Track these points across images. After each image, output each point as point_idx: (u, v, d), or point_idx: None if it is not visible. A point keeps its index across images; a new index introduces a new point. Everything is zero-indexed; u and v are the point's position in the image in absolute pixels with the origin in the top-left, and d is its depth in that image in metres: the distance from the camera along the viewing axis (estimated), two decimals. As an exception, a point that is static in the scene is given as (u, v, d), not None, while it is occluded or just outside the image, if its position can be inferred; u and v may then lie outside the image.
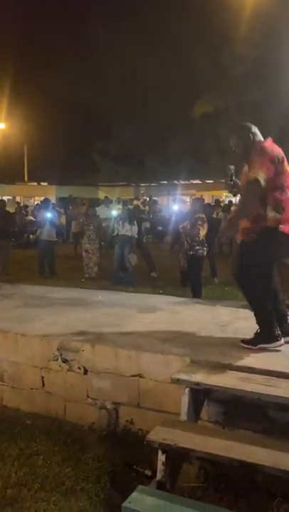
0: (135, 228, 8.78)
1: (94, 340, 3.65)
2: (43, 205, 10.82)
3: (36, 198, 25.60)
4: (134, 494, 2.32)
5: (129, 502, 2.27)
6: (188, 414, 2.84)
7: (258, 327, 3.45)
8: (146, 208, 18.66)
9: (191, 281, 7.16)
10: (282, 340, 3.37)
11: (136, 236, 8.81)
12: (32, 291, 5.99)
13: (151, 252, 10.14)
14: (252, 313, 3.91)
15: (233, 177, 3.52)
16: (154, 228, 17.65)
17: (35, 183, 28.58)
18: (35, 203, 23.25)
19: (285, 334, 3.45)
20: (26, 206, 21.99)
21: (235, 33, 22.71)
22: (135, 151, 29.83)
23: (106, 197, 16.49)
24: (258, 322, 3.45)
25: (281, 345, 3.35)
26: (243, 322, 4.11)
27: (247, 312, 4.40)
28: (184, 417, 2.83)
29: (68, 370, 3.61)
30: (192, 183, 25.64)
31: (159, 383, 3.24)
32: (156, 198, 23.36)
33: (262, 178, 3.23)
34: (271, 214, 3.30)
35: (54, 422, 3.54)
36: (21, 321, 4.27)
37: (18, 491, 2.69)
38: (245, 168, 3.46)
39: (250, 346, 3.38)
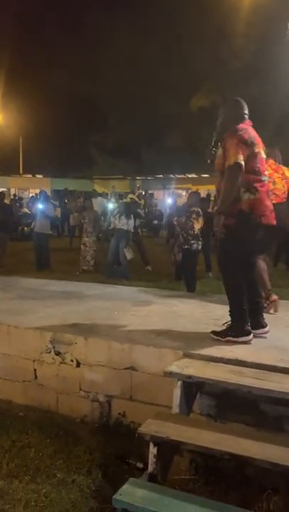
0: (132, 222, 8.76)
1: (87, 332, 3.64)
2: (38, 197, 10.76)
3: (31, 190, 25.50)
4: (125, 486, 2.32)
5: (120, 494, 2.27)
6: (181, 407, 2.85)
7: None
8: (142, 201, 18.64)
9: (185, 275, 7.16)
10: (251, 335, 3.39)
11: (132, 230, 8.79)
12: (26, 284, 5.98)
13: (147, 246, 10.14)
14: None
15: (213, 156, 3.55)
16: (150, 222, 17.65)
17: (30, 176, 28.43)
18: (30, 195, 23.16)
19: (260, 327, 3.52)
20: (21, 198, 21.89)
21: (234, 27, 22.60)
22: (131, 145, 29.71)
23: (103, 192, 16.44)
24: (231, 315, 3.48)
25: (249, 340, 3.37)
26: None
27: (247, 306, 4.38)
28: (176, 409, 2.84)
29: (61, 362, 3.61)
30: (188, 177, 25.61)
31: (151, 376, 3.24)
32: (152, 192, 23.34)
33: (238, 159, 3.25)
34: (245, 196, 3.34)
35: (46, 414, 3.54)
36: (15, 313, 4.26)
37: (10, 483, 2.69)
38: (220, 150, 3.45)
39: (218, 337, 3.42)
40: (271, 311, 4.39)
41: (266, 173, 3.56)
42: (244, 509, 2.23)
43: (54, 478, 2.73)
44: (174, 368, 2.94)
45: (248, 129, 3.40)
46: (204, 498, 2.36)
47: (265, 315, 3.77)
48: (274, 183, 4.33)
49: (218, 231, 3.38)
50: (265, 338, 3.50)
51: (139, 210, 10.69)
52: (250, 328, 3.42)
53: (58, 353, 3.62)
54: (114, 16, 27.47)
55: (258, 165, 3.38)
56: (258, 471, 2.51)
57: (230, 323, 3.48)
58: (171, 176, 26.24)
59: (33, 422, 3.39)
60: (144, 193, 21.65)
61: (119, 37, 27.11)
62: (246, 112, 3.53)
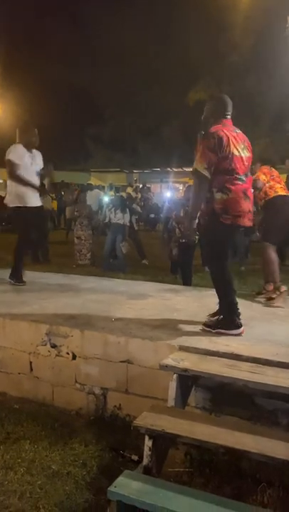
0: (127, 216, 8.73)
1: (83, 325, 3.63)
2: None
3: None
4: (120, 478, 2.33)
5: (115, 486, 2.27)
6: (176, 400, 2.85)
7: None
8: (138, 195, 18.60)
9: (182, 268, 7.16)
10: (242, 328, 3.45)
11: (128, 224, 8.76)
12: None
13: (143, 240, 10.12)
14: (240, 301, 3.95)
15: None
16: (146, 216, 17.62)
17: (27, 168, 28.26)
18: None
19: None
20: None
21: (232, 21, 22.45)
22: (128, 138, 29.59)
23: (99, 185, 16.37)
24: (221, 309, 3.53)
25: (240, 333, 3.43)
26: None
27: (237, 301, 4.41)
28: (171, 403, 2.84)
29: (57, 355, 3.60)
30: (185, 171, 25.56)
31: (147, 369, 3.24)
32: (149, 185, 23.29)
33: (203, 169, 3.31)
34: (218, 196, 3.38)
35: (42, 406, 3.55)
36: (10, 305, 4.24)
37: (5, 474, 2.69)
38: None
39: (209, 329, 3.47)
40: (279, 303, 4.46)
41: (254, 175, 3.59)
42: (238, 502, 2.24)
43: (49, 470, 2.73)
44: (169, 361, 2.94)
45: (218, 131, 3.37)
46: (199, 491, 2.37)
47: (261, 308, 3.79)
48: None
49: (188, 235, 3.43)
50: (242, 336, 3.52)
51: (135, 205, 10.66)
52: (240, 321, 3.47)
53: (53, 346, 3.61)
54: (112, 8, 27.26)
55: (232, 165, 3.36)
56: (252, 464, 2.53)
57: (221, 316, 3.52)
58: (169, 169, 26.18)
59: (28, 414, 3.39)
60: (141, 186, 21.60)
61: (117, 29, 26.90)
62: (228, 110, 3.54)
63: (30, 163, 5.16)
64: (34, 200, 5.19)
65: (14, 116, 28.95)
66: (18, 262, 5.27)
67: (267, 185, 4.83)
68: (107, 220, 8.90)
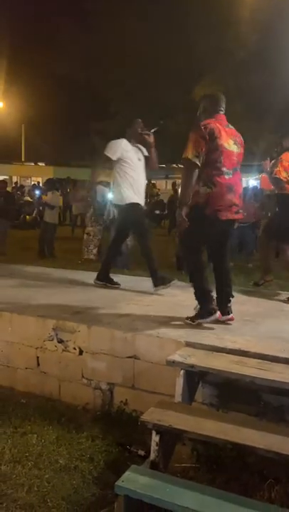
0: None
1: (90, 321, 3.64)
2: (49, 185, 10.69)
3: (33, 178, 25.39)
4: (127, 473, 2.34)
5: (123, 481, 2.28)
6: (183, 396, 2.86)
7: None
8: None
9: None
10: (218, 313, 3.54)
11: None
12: (28, 272, 5.98)
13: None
14: (247, 298, 3.97)
15: None
16: (152, 212, 17.58)
17: (32, 164, 28.30)
18: (32, 183, 23.07)
19: (225, 314, 3.63)
20: (22, 186, 21.82)
21: (238, 16, 22.27)
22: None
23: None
24: (196, 298, 3.60)
25: (217, 318, 3.53)
26: (238, 306, 4.12)
27: (242, 297, 4.42)
28: (178, 398, 2.85)
29: (64, 350, 3.61)
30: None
31: (154, 365, 3.25)
32: (154, 181, 23.24)
33: (194, 156, 3.32)
34: (202, 189, 3.41)
35: (48, 401, 3.56)
36: (17, 300, 4.26)
37: (12, 468, 2.71)
38: None
39: (190, 322, 3.55)
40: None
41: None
42: (245, 497, 2.25)
43: (56, 464, 2.75)
44: (176, 357, 2.95)
45: (210, 123, 3.40)
46: (206, 486, 2.38)
47: (268, 305, 3.79)
48: None
49: (180, 223, 3.45)
50: (230, 324, 3.62)
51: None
52: (216, 307, 3.56)
53: (60, 341, 3.63)
54: (117, 3, 27.14)
55: (221, 158, 3.39)
56: (259, 460, 2.53)
57: (198, 307, 3.60)
58: (174, 165, 26.08)
59: (35, 408, 3.41)
60: (146, 182, 21.56)
61: (122, 24, 26.79)
62: (221, 106, 3.56)
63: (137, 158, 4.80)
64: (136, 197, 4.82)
65: (19, 111, 28.95)
66: (107, 262, 5.08)
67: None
68: (111, 217, 8.87)
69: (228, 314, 3.66)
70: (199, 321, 3.54)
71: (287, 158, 4.78)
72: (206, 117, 3.51)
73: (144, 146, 4.89)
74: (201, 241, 3.57)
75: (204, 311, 3.55)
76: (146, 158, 4.91)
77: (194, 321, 3.55)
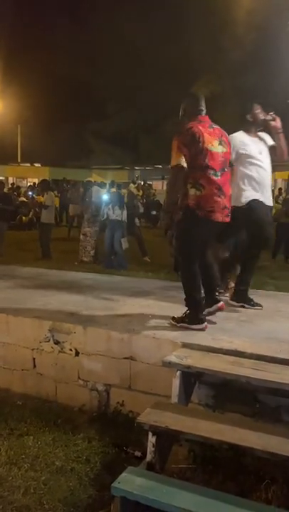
0: (125, 213, 8.71)
1: (86, 322, 3.64)
2: (44, 186, 10.67)
3: (29, 179, 25.35)
4: (123, 475, 2.33)
5: (119, 482, 2.28)
6: (179, 397, 2.86)
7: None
8: (140, 192, 18.57)
9: None
10: (205, 324, 3.49)
11: (126, 221, 8.73)
12: (25, 273, 5.97)
13: (145, 237, 10.10)
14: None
15: None
16: (148, 212, 17.59)
17: (29, 164, 28.26)
18: (28, 184, 23.03)
19: (215, 302, 3.65)
20: (19, 187, 21.77)
21: (235, 16, 22.37)
22: (130, 134, 29.55)
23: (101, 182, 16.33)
24: (186, 304, 3.57)
25: (203, 328, 3.46)
26: (235, 307, 4.13)
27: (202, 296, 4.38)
28: (174, 399, 2.85)
29: (60, 351, 3.61)
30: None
31: (150, 366, 3.25)
32: (150, 182, 23.25)
33: (176, 161, 3.35)
34: (192, 191, 3.40)
35: (45, 402, 3.55)
36: (13, 301, 4.25)
37: (8, 470, 2.70)
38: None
39: (174, 323, 3.53)
40: (226, 295, 4.48)
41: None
42: (242, 498, 2.25)
43: (53, 466, 2.74)
44: (173, 358, 2.95)
45: (192, 128, 3.39)
46: (202, 487, 2.38)
47: (264, 305, 3.79)
48: None
49: (164, 225, 3.47)
50: (222, 311, 3.66)
51: (135, 201, 10.62)
52: (204, 317, 3.53)
53: (56, 342, 3.62)
54: (115, 3, 27.14)
55: (207, 160, 3.37)
56: (255, 460, 2.53)
57: (187, 311, 3.57)
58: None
59: (31, 410, 3.40)
60: (142, 183, 21.57)
61: (119, 25, 26.80)
62: (201, 105, 3.55)
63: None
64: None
65: (15, 112, 28.91)
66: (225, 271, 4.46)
67: None
68: (104, 218, 8.86)
69: (217, 302, 3.66)
70: (184, 325, 3.48)
71: None
72: (188, 119, 3.49)
73: (269, 134, 4.15)
74: (196, 244, 3.53)
75: (192, 318, 3.50)
76: (271, 148, 4.12)
77: (178, 323, 3.51)
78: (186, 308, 3.60)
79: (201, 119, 3.49)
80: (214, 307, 3.66)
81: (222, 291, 4.48)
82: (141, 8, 26.21)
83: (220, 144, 3.48)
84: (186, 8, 24.43)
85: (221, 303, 3.69)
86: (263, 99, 4.43)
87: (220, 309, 3.68)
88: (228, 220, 3.54)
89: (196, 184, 3.39)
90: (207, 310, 3.61)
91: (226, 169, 3.52)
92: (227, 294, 4.51)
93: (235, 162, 3.94)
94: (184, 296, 3.58)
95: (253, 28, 22.25)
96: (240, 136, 4.04)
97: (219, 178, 3.44)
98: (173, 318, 3.60)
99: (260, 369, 2.80)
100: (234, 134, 4.00)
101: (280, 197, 15.79)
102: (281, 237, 9.80)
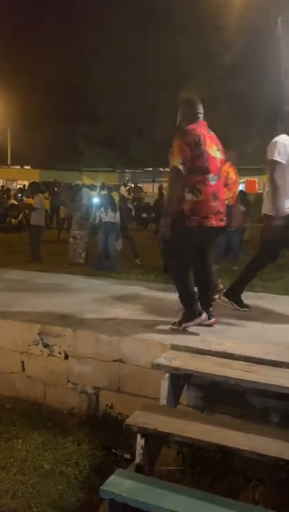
0: (118, 215, 8.70)
1: (75, 325, 3.63)
2: (34, 188, 10.63)
3: (19, 181, 25.25)
4: (112, 477, 2.34)
5: (108, 485, 2.28)
6: (168, 398, 2.86)
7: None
8: (131, 195, 18.57)
9: None
10: (204, 315, 3.52)
11: (120, 223, 8.73)
12: (14, 276, 5.94)
13: (135, 239, 10.11)
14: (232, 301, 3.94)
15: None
16: (139, 215, 17.60)
17: (19, 167, 28.15)
18: (18, 186, 22.93)
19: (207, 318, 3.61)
20: (9, 190, 21.66)
21: (224, 21, 22.53)
22: (120, 136, 29.59)
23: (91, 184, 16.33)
24: (181, 302, 3.60)
25: (202, 320, 3.51)
26: (223, 309, 4.15)
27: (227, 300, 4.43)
28: (163, 401, 2.85)
29: (49, 354, 3.60)
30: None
31: (139, 368, 3.25)
32: (140, 185, 23.28)
33: (179, 163, 3.31)
34: (188, 196, 3.41)
35: (34, 406, 3.54)
36: (2, 305, 4.23)
37: (-3, 474, 2.68)
38: (171, 149, 3.51)
39: (176, 327, 3.52)
40: (216, 296, 4.48)
41: (228, 175, 3.58)
42: (230, 499, 2.26)
43: (41, 470, 2.73)
44: (161, 360, 2.95)
45: (195, 129, 3.41)
46: (191, 489, 2.39)
47: (253, 307, 3.80)
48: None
49: (164, 232, 3.43)
50: (212, 327, 3.63)
51: (128, 204, 10.62)
52: (200, 309, 3.55)
53: (46, 345, 3.61)
54: (105, 7, 27.21)
55: (206, 164, 3.39)
56: (244, 461, 2.55)
57: (184, 310, 3.59)
58: (161, 169, 26.19)
59: (20, 413, 3.39)
60: (133, 185, 21.60)
61: (110, 28, 26.88)
62: (199, 110, 3.56)
63: None
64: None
65: (5, 114, 28.79)
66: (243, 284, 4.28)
67: None
68: (97, 221, 8.84)
69: (210, 319, 3.65)
70: (184, 325, 3.51)
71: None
72: (187, 123, 3.49)
73: None
74: (185, 246, 3.54)
75: (188, 314, 3.54)
76: None
77: (180, 326, 3.52)
78: (182, 314, 3.60)
79: (201, 124, 3.51)
80: (206, 321, 3.62)
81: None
82: (131, 12, 26.33)
83: (217, 149, 3.52)
84: (177, 13, 24.60)
85: (213, 319, 3.66)
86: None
87: (211, 324, 3.65)
88: (222, 224, 3.55)
89: (193, 189, 3.40)
90: (199, 321, 3.55)
91: (220, 175, 3.55)
92: (216, 296, 4.54)
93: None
94: (173, 299, 3.60)
95: (243, 32, 22.45)
96: (284, 140, 3.82)
97: (216, 183, 3.46)
98: (173, 323, 3.58)
99: (249, 371, 2.82)
100: (278, 139, 3.81)
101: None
102: None
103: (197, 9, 22.98)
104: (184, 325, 3.51)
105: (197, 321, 3.52)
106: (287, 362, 2.90)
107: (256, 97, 21.64)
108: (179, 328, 3.51)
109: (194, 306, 3.56)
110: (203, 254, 3.73)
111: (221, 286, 4.68)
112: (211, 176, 3.43)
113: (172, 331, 3.49)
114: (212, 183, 3.44)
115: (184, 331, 3.48)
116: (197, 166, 3.37)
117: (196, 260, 3.69)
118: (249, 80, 22.65)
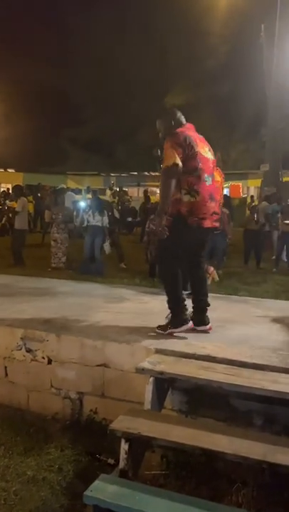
0: (106, 218, 8.69)
1: (59, 329, 3.61)
2: (17, 191, 10.52)
3: (3, 184, 25.04)
4: (96, 483, 2.32)
5: (91, 490, 2.26)
6: (152, 403, 2.86)
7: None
8: (116, 199, 18.57)
9: None
10: (190, 323, 3.52)
11: (107, 226, 8.72)
12: (-3, 280, 5.87)
13: (121, 243, 10.10)
14: (216, 304, 3.97)
15: (160, 159, 3.60)
16: (124, 219, 17.57)
17: (2, 170, 27.90)
18: (1, 189, 22.72)
19: (202, 324, 3.61)
20: (-8, 193, 21.42)
21: (209, 26, 22.76)
22: (105, 140, 29.57)
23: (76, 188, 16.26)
24: (169, 307, 3.58)
25: (188, 328, 3.50)
26: (208, 312, 4.17)
27: (211, 302, 4.45)
28: (147, 406, 2.85)
29: (32, 359, 3.57)
30: (157, 166, 25.58)
31: (124, 373, 3.24)
32: (126, 189, 23.28)
33: (171, 161, 3.28)
34: (186, 198, 3.41)
35: (17, 411, 3.51)
36: (-15, 309, 4.18)
37: (-22, 482, 2.64)
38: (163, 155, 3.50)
39: (161, 331, 3.52)
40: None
41: (216, 175, 3.60)
42: (214, 502, 2.27)
43: (24, 476, 2.70)
44: (146, 364, 2.95)
45: (185, 131, 3.43)
46: (175, 493, 2.38)
47: (237, 310, 3.82)
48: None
49: (160, 231, 3.40)
50: (208, 333, 3.61)
51: (114, 209, 10.60)
52: (187, 317, 3.54)
53: (29, 350, 3.58)
54: (90, 10, 27.24)
55: (200, 164, 3.40)
56: (227, 464, 2.55)
57: (170, 316, 3.58)
58: (146, 173, 26.26)
59: (3, 419, 3.35)
60: (118, 189, 21.60)
61: (94, 32, 26.92)
62: (181, 115, 3.58)
63: None
64: None
65: (-11, 118, 28.52)
66: None
67: None
68: (85, 224, 8.82)
69: (206, 324, 3.62)
70: (171, 330, 3.50)
71: None
72: (176, 128, 3.48)
73: None
74: (180, 249, 3.51)
75: (177, 320, 3.51)
76: None
77: (165, 330, 3.51)
78: (167, 315, 3.60)
79: (188, 127, 3.52)
80: (201, 327, 3.61)
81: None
82: (116, 17, 26.40)
83: (209, 150, 3.54)
84: (161, 18, 24.76)
85: (209, 325, 3.63)
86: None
87: (208, 330, 3.62)
88: (217, 225, 3.58)
89: (190, 190, 3.38)
90: (186, 328, 3.53)
91: (213, 175, 3.56)
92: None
93: None
94: (158, 303, 3.60)
95: (227, 39, 22.69)
96: None
97: (210, 183, 3.48)
98: (158, 327, 3.57)
99: (232, 374, 2.84)
100: None
101: (252, 204, 16.09)
102: (249, 243, 9.97)
103: (182, 15, 23.17)
104: (170, 330, 3.50)
105: (184, 328, 3.49)
106: (269, 365, 2.93)
107: (241, 103, 21.88)
108: (163, 332, 3.52)
109: (183, 312, 3.53)
110: (198, 256, 3.71)
111: (211, 268, 4.65)
112: (205, 176, 3.43)
113: (157, 335, 3.49)
114: (207, 183, 3.45)
115: (169, 336, 3.48)
116: (191, 167, 3.36)
117: (190, 263, 3.66)
118: (233, 85, 22.90)
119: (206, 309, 3.68)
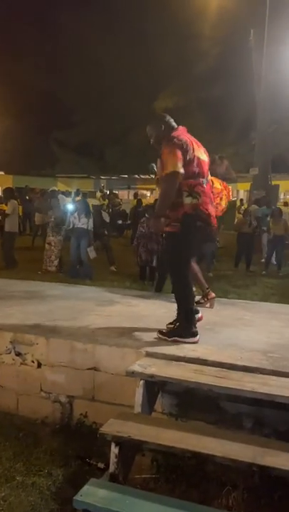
0: (92, 221, 8.66)
1: (49, 333, 3.59)
2: (7, 194, 10.45)
3: (-8, 187, 24.86)
4: (86, 487, 2.31)
5: (81, 495, 2.25)
6: (143, 406, 2.86)
7: (175, 319, 3.57)
8: (106, 201, 18.55)
9: (160, 272, 6.93)
10: (198, 337, 3.45)
11: (92, 229, 8.68)
12: (-14, 283, 5.82)
13: (111, 246, 10.09)
14: (207, 308, 3.97)
15: (156, 173, 3.61)
16: (114, 222, 17.54)
17: (-9, 172, 27.73)
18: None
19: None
20: (-19, 195, 21.25)
21: (199, 29, 22.90)
22: (95, 143, 29.56)
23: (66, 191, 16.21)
24: (179, 316, 3.53)
25: (196, 341, 3.41)
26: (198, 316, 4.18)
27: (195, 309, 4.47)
28: (138, 409, 2.84)
29: (22, 363, 3.54)
30: (153, 178, 25.65)
31: (114, 376, 3.24)
32: (116, 192, 23.29)
33: (175, 166, 3.27)
34: (188, 200, 3.41)
35: (6, 416, 3.47)
36: (-27, 313, 4.14)
37: None
38: (159, 162, 3.54)
39: (165, 337, 3.45)
40: (207, 305, 4.56)
41: (210, 178, 3.64)
42: (204, 506, 2.27)
43: (13, 481, 2.68)
44: (136, 367, 2.95)
45: (180, 135, 3.43)
46: (165, 497, 2.38)
47: (227, 313, 3.84)
48: (221, 199, 4.57)
49: (156, 228, 3.40)
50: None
51: (103, 211, 10.58)
52: (196, 330, 3.47)
53: (18, 354, 3.55)
54: (80, 13, 27.23)
55: (197, 168, 3.42)
56: (217, 467, 2.56)
57: (177, 323, 3.52)
58: (136, 176, 26.28)
59: (-9, 424, 3.31)
60: (108, 192, 21.59)
61: (85, 35, 26.91)
62: (171, 118, 3.58)
63: None
64: None
65: (-22, 120, 28.33)
66: None
67: None
68: (70, 227, 8.77)
69: (196, 313, 3.67)
70: (177, 338, 3.41)
71: None
72: (169, 132, 3.46)
73: None
74: (193, 251, 3.52)
75: (186, 331, 3.43)
76: None
77: (170, 337, 3.43)
78: (169, 323, 3.58)
79: (182, 130, 3.51)
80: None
81: (202, 301, 4.57)
82: (107, 19, 26.43)
83: (204, 152, 3.55)
84: (151, 21, 24.85)
85: (200, 314, 3.66)
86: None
87: (198, 320, 3.64)
88: (214, 226, 3.61)
89: (192, 193, 3.39)
90: (192, 341, 3.46)
91: (208, 178, 3.58)
92: (208, 305, 4.58)
93: None
94: (147, 305, 3.59)
95: (217, 42, 22.84)
96: None
97: (206, 186, 3.50)
98: (161, 332, 3.49)
99: (221, 376, 2.84)
100: None
101: (242, 207, 16.19)
102: (242, 246, 10.04)
103: (172, 18, 23.29)
104: (175, 338, 3.41)
105: (192, 340, 3.40)
106: (259, 367, 2.94)
107: (230, 106, 22.02)
108: (167, 338, 3.43)
109: (193, 324, 3.47)
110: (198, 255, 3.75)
111: (213, 294, 4.68)
112: (203, 179, 3.46)
113: (147, 338, 3.48)
114: (205, 185, 3.48)
115: (186, 343, 3.40)
116: (190, 170, 3.37)
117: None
118: (223, 88, 23.04)
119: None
